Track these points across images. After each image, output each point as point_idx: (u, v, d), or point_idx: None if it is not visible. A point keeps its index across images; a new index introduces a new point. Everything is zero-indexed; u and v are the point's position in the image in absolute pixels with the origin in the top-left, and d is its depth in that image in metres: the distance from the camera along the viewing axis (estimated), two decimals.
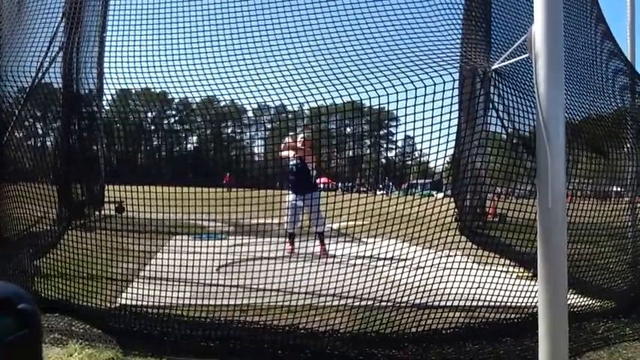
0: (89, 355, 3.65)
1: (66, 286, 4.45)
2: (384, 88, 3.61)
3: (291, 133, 7.47)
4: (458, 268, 4.02)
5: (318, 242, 7.99)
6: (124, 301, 4.41)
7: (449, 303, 4.07)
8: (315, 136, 7.41)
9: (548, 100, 2.51)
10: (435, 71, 3.59)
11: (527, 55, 2.67)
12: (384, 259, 4.32)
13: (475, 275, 4.07)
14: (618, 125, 5.15)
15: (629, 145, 5.13)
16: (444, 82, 3.59)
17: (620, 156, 5.02)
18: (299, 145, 7.99)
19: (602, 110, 4.91)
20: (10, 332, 1.02)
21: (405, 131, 4.31)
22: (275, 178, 7.41)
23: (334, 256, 5.28)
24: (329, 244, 7.95)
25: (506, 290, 4.14)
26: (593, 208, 4.56)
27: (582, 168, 4.53)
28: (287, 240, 8.13)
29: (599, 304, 4.79)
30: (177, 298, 4.23)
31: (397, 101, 3.59)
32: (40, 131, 5.87)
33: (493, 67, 3.49)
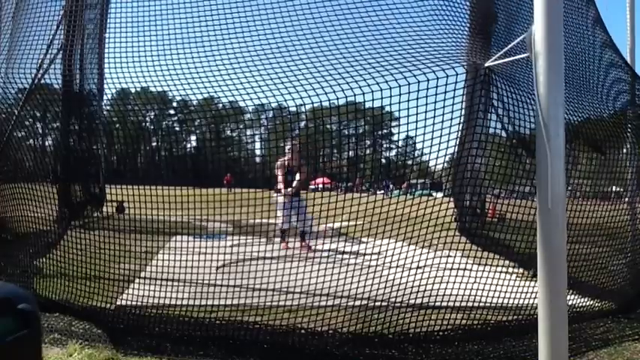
0: (89, 355, 3.64)
1: (66, 286, 4.45)
2: (377, 84, 3.59)
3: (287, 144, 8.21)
4: (458, 269, 4.02)
5: (300, 242, 8.45)
6: (124, 302, 4.41)
7: (449, 304, 4.07)
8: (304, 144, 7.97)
9: (547, 101, 2.50)
10: (428, 67, 3.58)
11: (526, 55, 2.67)
12: (383, 257, 4.32)
13: (475, 276, 4.08)
14: (615, 125, 5.14)
15: (628, 145, 5.13)
16: (437, 79, 3.56)
17: (619, 156, 5.02)
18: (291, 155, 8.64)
19: (596, 109, 4.90)
20: (10, 332, 1.03)
21: (390, 127, 4.34)
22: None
23: (313, 251, 5.18)
24: (328, 243, 8.03)
25: (506, 291, 4.15)
26: (593, 208, 4.57)
27: (582, 169, 4.53)
28: (281, 238, 8.52)
29: (598, 304, 4.79)
30: (177, 298, 4.23)
31: (390, 97, 3.58)
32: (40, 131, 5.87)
33: (486, 64, 3.49)
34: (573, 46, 4.71)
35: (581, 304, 4.59)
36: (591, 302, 4.73)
